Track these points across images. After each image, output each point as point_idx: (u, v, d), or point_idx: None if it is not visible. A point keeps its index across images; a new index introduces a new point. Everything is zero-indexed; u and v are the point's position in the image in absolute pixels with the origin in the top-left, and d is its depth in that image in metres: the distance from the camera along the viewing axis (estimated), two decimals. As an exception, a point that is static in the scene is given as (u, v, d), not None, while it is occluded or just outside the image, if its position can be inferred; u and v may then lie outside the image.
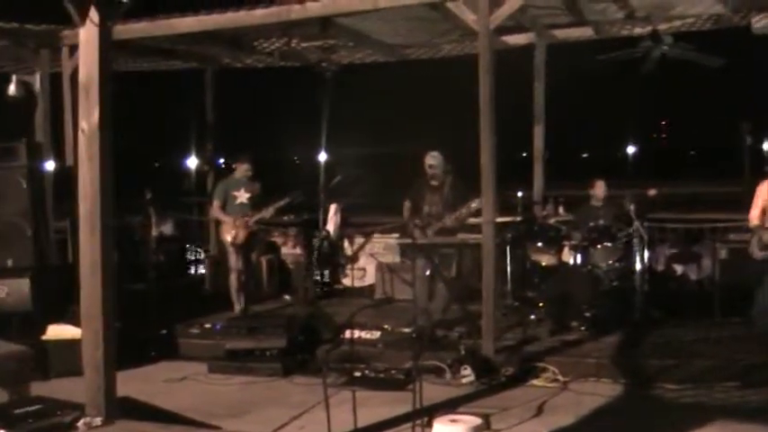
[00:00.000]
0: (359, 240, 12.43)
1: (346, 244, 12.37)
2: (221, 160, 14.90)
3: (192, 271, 13.84)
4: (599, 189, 10.45)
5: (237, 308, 10.59)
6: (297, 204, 11.09)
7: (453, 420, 5.85)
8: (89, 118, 6.00)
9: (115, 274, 6.21)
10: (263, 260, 11.92)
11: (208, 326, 9.95)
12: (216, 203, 10.72)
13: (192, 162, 21.83)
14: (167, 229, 13.59)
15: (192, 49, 12.24)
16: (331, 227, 12.20)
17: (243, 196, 10.61)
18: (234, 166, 10.94)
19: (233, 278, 10.63)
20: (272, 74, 14.32)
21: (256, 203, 10.61)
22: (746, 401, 7.35)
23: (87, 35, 6.05)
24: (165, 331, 9.81)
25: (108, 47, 6.09)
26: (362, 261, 12.31)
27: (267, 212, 10.55)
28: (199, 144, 13.49)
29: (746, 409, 7.17)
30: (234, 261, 10.58)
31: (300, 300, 11.49)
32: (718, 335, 8.93)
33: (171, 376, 8.72)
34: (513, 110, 11.70)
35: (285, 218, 11.83)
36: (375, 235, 12.49)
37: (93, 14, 5.96)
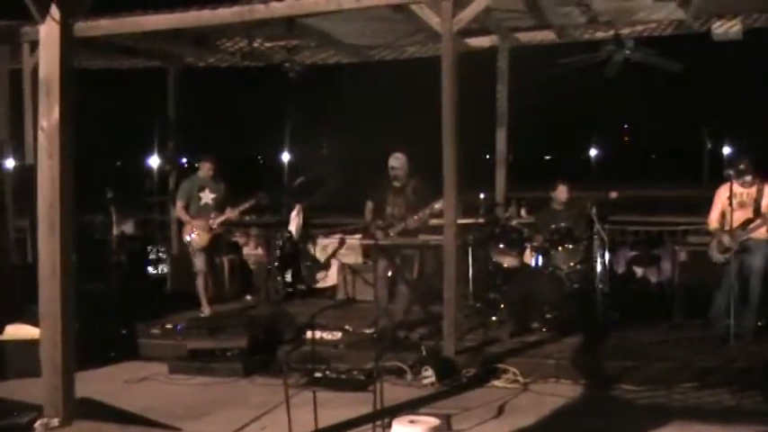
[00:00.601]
0: (322, 242, 12.42)
1: (316, 248, 12.37)
2: (184, 160, 14.79)
3: (154, 270, 13.73)
4: (561, 193, 10.47)
5: (207, 310, 10.46)
6: (262, 206, 11.06)
7: (412, 421, 5.83)
8: (49, 116, 5.94)
9: (75, 273, 6.16)
10: (225, 260, 11.84)
11: (169, 326, 9.90)
12: (179, 204, 10.56)
13: (155, 161, 21.73)
14: (128, 228, 13.48)
15: (155, 48, 12.14)
16: (293, 227, 12.16)
17: (207, 197, 10.47)
18: (198, 165, 10.82)
19: (200, 280, 10.48)
20: (237, 73, 14.28)
21: (221, 204, 10.49)
22: (703, 402, 7.44)
23: (48, 32, 5.99)
24: (125, 331, 9.72)
25: (69, 44, 6.04)
26: (324, 261, 12.33)
27: (232, 214, 10.46)
28: (161, 143, 13.39)
29: (704, 410, 7.26)
30: (199, 263, 10.43)
31: (262, 300, 11.48)
32: (677, 337, 9.01)
33: (131, 377, 8.66)
34: (476, 112, 11.75)
35: (247, 218, 11.77)
36: (338, 236, 12.52)
37: (55, 11, 5.90)
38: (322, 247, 12.41)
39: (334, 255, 12.26)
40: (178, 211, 10.67)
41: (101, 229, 12.77)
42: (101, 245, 12.50)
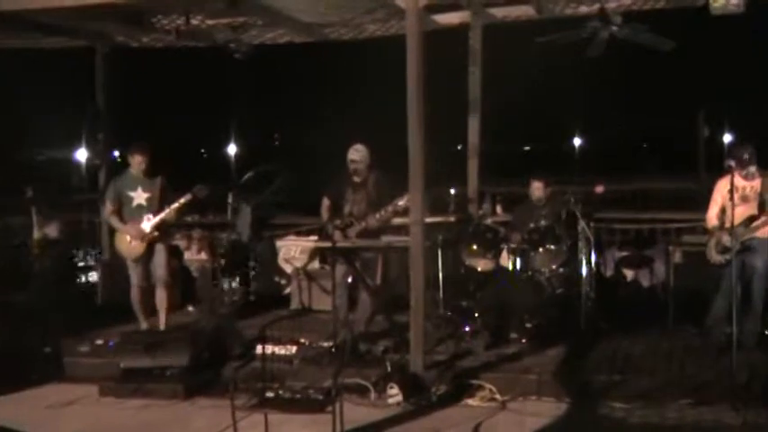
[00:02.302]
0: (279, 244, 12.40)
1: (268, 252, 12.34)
2: (116, 153, 14.66)
3: (82, 279, 13.67)
4: (536, 191, 10.57)
5: (145, 325, 10.33)
6: (202, 201, 10.69)
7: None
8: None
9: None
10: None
11: (99, 342, 9.84)
12: (109, 208, 10.24)
13: (82, 154, 21.50)
14: (52, 231, 13.27)
15: (80, 26, 12.03)
16: (241, 229, 11.77)
17: (141, 197, 10.14)
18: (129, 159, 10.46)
19: (135, 293, 10.27)
20: (176, 55, 14.18)
21: (159, 205, 10.14)
22: (701, 420, 7.47)
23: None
24: (49, 349, 9.64)
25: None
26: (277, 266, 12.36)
27: (166, 214, 10.12)
28: (89, 134, 13.26)
29: (701, 428, 7.30)
30: (135, 276, 10.21)
31: (206, 311, 11.41)
32: (671, 347, 9.05)
33: (56, 400, 8.57)
34: (445, 98, 11.72)
35: (189, 219, 11.73)
36: (292, 238, 12.51)
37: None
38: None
39: (286, 259, 12.28)
40: (107, 215, 10.38)
41: (20, 232, 12.66)
42: (20, 250, 12.40)
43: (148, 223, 10.06)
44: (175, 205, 10.08)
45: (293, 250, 12.35)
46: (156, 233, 10.13)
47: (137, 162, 10.16)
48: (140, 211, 10.11)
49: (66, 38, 12.64)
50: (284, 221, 13.64)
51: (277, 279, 12.31)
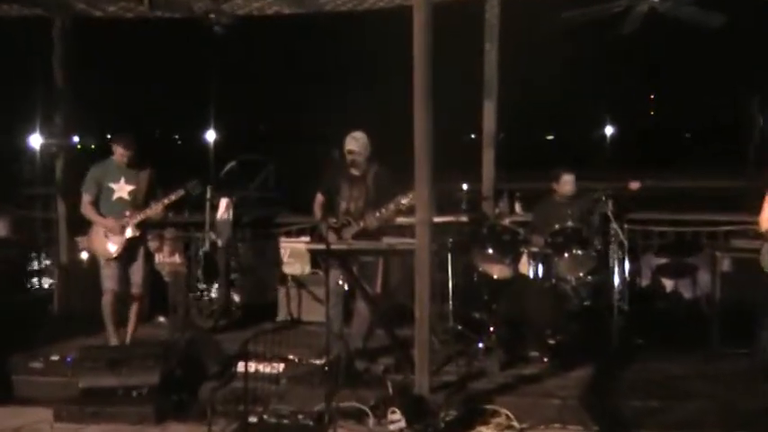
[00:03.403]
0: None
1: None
2: (75, 139, 14.67)
3: (36, 284, 13.68)
4: (565, 186, 10.57)
5: (114, 340, 10.23)
6: (191, 198, 10.79)
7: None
8: None
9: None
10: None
11: (55, 358, 9.82)
12: (86, 198, 10.18)
13: (36, 140, 21.49)
14: (1, 230, 13.36)
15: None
16: (221, 228, 12.12)
17: (123, 189, 10.13)
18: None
19: (107, 300, 10.14)
20: (147, 27, 14.16)
21: (143, 199, 10.17)
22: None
23: None
24: (-5, 365, 9.60)
25: None
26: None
27: (153, 211, 10.10)
28: (45, 117, 13.30)
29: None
30: (109, 280, 10.10)
31: (179, 323, 11.28)
32: (716, 370, 9.04)
33: (3, 425, 8.53)
34: (457, 80, 11.69)
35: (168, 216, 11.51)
36: (281, 239, 12.50)
37: None
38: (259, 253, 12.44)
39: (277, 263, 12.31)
40: (84, 207, 10.29)
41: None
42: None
43: (131, 219, 10.05)
44: (165, 202, 10.07)
45: (282, 254, 12.29)
46: (138, 232, 10.13)
47: (119, 154, 10.16)
48: (121, 205, 10.11)
49: (18, 5, 12.61)
50: (274, 219, 13.63)
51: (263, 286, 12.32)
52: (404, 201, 9.02)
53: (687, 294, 11.29)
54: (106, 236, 10.09)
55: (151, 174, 10.29)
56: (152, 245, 11.79)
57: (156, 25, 13.66)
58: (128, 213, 10.07)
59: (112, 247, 10.08)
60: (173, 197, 10.07)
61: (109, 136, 14.18)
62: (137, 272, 10.23)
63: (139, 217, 10.09)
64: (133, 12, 12.86)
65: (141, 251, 10.28)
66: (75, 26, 12.98)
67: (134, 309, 10.31)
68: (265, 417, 7.61)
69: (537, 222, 10.63)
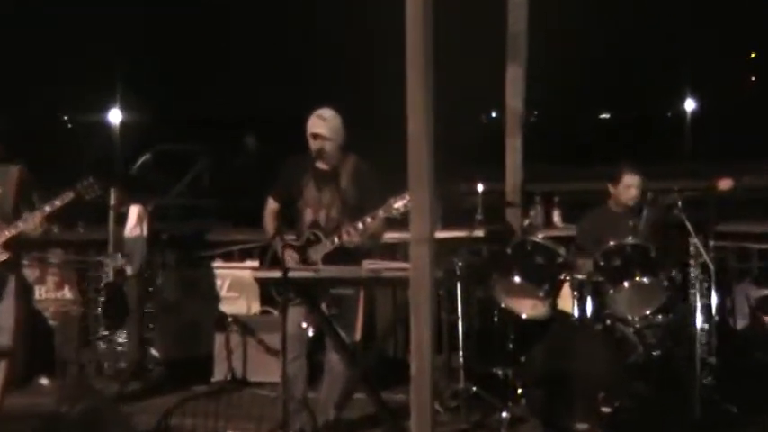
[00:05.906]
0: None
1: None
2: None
3: None
4: (629, 190, 9.10)
5: None
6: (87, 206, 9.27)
7: None
8: None
9: None
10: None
11: None
12: None
13: None
14: None
15: None
16: (131, 249, 10.77)
17: None
18: None
19: None
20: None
21: (13, 208, 8.57)
22: None
23: None
24: None
25: None
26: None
27: (29, 225, 8.46)
28: None
29: None
30: None
31: (69, 387, 10.33)
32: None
33: None
34: (472, 39, 10.54)
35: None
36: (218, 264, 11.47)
37: None
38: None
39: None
40: None
41: None
42: None
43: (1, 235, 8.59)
44: (46, 210, 8.46)
45: (219, 285, 11.21)
46: (5, 256, 8.54)
47: None
48: None
49: None
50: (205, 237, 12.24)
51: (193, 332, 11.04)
52: (397, 205, 7.76)
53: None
54: None
55: (21, 173, 8.71)
56: (29, 274, 10.84)
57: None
58: None
59: None
60: (57, 204, 8.53)
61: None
62: (3, 315, 8.65)
63: (7, 234, 8.50)
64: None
65: (11, 284, 8.67)
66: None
67: (4, 368, 8.78)
68: None
69: (584, 239, 9.32)
